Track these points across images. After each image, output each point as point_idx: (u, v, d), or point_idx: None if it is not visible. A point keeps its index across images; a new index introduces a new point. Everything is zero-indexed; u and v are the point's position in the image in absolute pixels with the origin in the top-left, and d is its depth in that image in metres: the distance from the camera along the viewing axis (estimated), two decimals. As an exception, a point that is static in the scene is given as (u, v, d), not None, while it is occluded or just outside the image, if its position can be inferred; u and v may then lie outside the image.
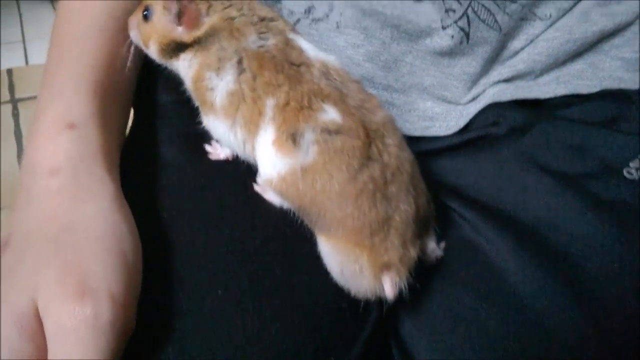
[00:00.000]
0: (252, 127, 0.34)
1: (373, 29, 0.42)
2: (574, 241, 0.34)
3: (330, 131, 0.31)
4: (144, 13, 0.37)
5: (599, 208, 0.34)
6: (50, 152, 0.30)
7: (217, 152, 0.38)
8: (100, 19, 0.39)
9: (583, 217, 0.34)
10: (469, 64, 0.43)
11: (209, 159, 0.35)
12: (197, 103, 0.37)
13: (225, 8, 0.35)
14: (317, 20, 0.43)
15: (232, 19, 0.35)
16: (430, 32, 0.42)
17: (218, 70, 0.34)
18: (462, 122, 0.44)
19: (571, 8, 0.43)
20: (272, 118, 0.33)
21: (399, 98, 0.44)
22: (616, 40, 0.44)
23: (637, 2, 0.43)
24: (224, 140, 0.36)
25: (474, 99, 0.45)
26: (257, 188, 0.36)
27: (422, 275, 0.38)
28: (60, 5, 0.41)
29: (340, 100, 0.33)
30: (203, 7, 0.35)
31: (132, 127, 0.39)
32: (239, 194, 0.34)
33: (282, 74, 0.33)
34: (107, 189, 0.30)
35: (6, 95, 1.21)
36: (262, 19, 0.36)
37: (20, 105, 1.18)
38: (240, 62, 0.34)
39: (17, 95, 1.22)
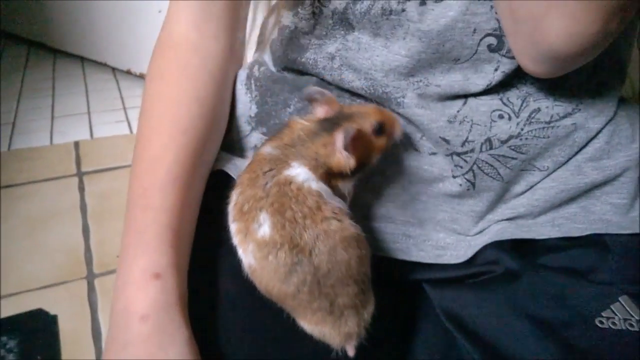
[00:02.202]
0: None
1: (393, 176, 0.51)
2: None
3: (261, 245, 0.38)
4: None
5: (572, 357, 0.41)
6: (140, 300, 0.39)
7: None
8: (173, 170, 0.47)
9: None
10: (476, 204, 0.51)
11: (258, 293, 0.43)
12: None
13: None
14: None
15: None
16: (442, 179, 0.50)
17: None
18: (470, 252, 0.51)
19: (566, 162, 0.50)
20: (233, 219, 0.41)
21: (415, 231, 0.52)
22: (606, 188, 0.50)
23: (626, 158, 0.50)
24: None
25: (481, 231, 0.52)
26: None
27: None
28: (137, 152, 0.49)
29: (278, 212, 0.38)
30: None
31: (194, 256, 0.47)
32: (279, 324, 0.42)
33: (246, 186, 0.41)
34: (183, 334, 0.39)
35: (72, 169, 1.36)
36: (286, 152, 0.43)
37: (85, 179, 1.31)
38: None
39: (83, 169, 1.35)
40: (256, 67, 0.60)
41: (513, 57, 0.46)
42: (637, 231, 0.49)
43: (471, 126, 0.48)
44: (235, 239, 0.41)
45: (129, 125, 1.63)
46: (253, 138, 0.57)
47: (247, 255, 0.40)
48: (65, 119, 1.65)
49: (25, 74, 2.03)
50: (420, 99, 0.48)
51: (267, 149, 0.43)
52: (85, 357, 0.85)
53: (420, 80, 0.48)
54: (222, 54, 0.56)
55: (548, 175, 0.50)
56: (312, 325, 0.39)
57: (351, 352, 0.40)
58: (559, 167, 0.50)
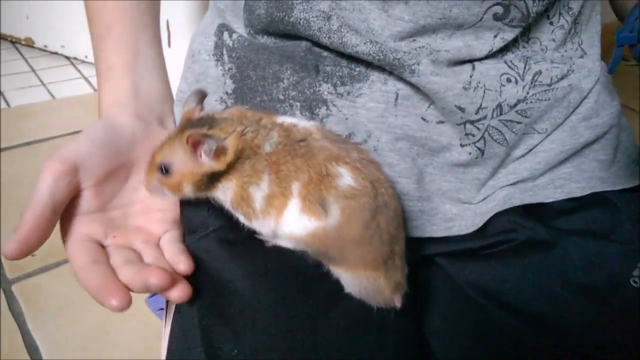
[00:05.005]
0: (281, 208, 0.41)
1: (405, 149, 0.48)
2: (606, 349, 0.42)
3: (348, 196, 0.39)
4: (162, 170, 0.41)
5: (618, 319, 0.42)
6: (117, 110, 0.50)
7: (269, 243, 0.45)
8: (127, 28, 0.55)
9: (609, 327, 0.42)
10: (481, 172, 0.50)
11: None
12: (239, 216, 0.43)
13: (235, 128, 0.40)
14: (356, 145, 0.48)
15: (244, 134, 0.40)
16: (450, 148, 0.49)
17: (258, 182, 0.40)
18: (478, 221, 0.50)
19: (562, 123, 0.51)
20: (298, 194, 0.40)
21: (427, 205, 0.50)
22: (594, 146, 0.52)
23: (610, 115, 0.52)
24: (264, 230, 0.43)
25: (484, 198, 0.52)
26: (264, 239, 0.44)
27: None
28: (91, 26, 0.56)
29: (347, 157, 0.40)
30: (222, 135, 0.40)
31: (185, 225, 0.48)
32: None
33: (298, 157, 0.40)
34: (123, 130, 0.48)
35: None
36: (256, 123, 0.41)
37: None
38: (269, 169, 0.40)
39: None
40: (226, 35, 0.52)
41: (514, 26, 0.46)
42: (625, 186, 0.52)
43: (484, 92, 0.47)
44: (302, 216, 0.40)
45: (4, 99, 1.40)
46: None
47: (327, 216, 0.39)
48: None
49: None
50: (434, 65, 0.45)
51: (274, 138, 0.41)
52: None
53: (423, 47, 0.45)
54: None
55: (546, 137, 0.51)
56: (369, 272, 0.41)
57: (399, 303, 0.42)
58: (555, 129, 0.51)
